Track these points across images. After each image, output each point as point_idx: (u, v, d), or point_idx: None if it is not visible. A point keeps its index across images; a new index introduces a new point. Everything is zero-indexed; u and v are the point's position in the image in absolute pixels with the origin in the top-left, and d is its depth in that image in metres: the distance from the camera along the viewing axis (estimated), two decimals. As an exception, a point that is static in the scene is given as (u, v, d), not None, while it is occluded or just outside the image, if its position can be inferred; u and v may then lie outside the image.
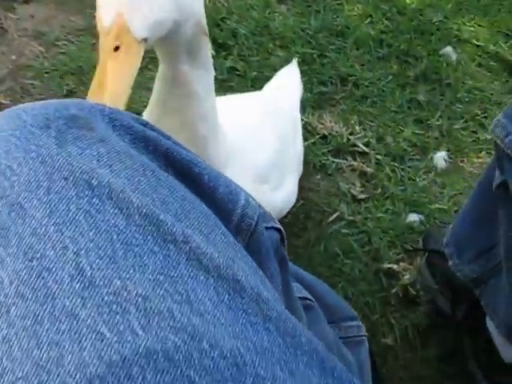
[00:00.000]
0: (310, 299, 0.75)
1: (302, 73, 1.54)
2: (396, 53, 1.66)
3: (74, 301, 0.30)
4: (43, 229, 0.33)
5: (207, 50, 0.76)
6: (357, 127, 1.47)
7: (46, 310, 0.30)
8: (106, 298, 0.31)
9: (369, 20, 1.74)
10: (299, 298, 0.71)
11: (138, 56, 0.64)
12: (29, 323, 0.29)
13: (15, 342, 0.29)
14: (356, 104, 1.53)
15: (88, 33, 1.65)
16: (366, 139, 1.45)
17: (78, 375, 0.28)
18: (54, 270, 0.31)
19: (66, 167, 0.35)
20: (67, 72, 1.54)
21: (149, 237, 0.34)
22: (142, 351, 0.29)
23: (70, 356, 0.28)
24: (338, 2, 1.79)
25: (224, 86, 1.49)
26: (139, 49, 0.64)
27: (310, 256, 1.24)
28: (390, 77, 1.59)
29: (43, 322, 0.29)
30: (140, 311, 0.31)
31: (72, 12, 1.72)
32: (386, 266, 1.24)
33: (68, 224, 0.33)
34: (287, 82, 1.29)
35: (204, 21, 0.73)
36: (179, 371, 0.29)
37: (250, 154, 0.95)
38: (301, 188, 1.34)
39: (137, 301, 0.31)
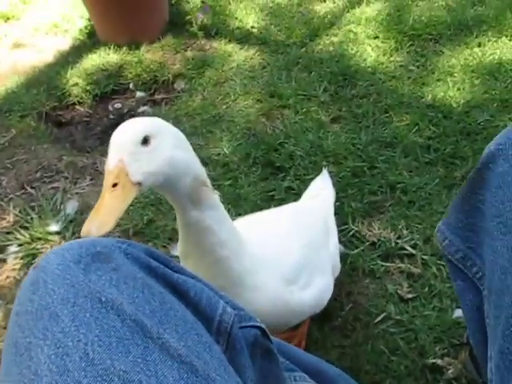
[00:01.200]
0: None
1: (352, 185, 1.70)
2: (442, 156, 1.78)
3: (80, 373, 0.50)
4: (67, 328, 0.53)
5: (211, 195, 0.95)
6: (404, 231, 1.59)
7: (64, 379, 0.49)
8: (99, 371, 0.50)
9: (416, 128, 1.89)
10: None
11: (131, 194, 0.83)
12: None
13: None
14: (404, 209, 1.65)
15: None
16: (412, 241, 1.56)
17: None
18: (70, 354, 0.51)
19: (86, 289, 0.56)
20: (147, 204, 1.79)
21: (135, 334, 0.53)
22: None
23: None
24: (387, 115, 1.96)
25: (282, 204, 1.67)
26: (133, 189, 0.84)
27: (357, 355, 1.35)
28: (437, 180, 1.71)
29: None
30: (120, 380, 0.49)
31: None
32: (431, 361, 1.32)
33: (83, 325, 0.53)
34: (321, 191, 1.45)
35: (203, 175, 0.93)
36: None
37: (275, 261, 1.11)
38: (349, 293, 1.47)
39: (119, 374, 0.50)
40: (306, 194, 1.49)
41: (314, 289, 1.19)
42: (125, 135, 0.86)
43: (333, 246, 1.34)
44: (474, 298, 0.66)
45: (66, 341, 0.52)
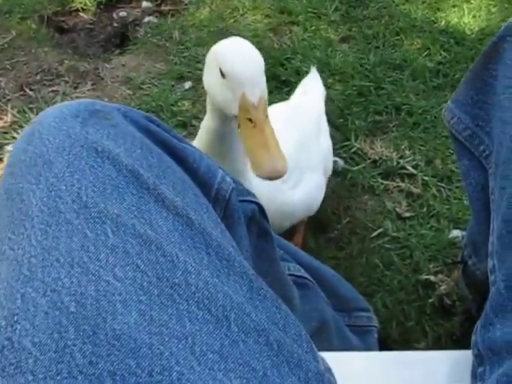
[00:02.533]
0: (308, 279, 0.88)
1: (358, 103, 1.67)
2: (451, 82, 1.75)
3: (72, 214, 0.48)
4: (61, 174, 0.51)
5: None
6: (407, 151, 1.57)
7: (55, 220, 0.47)
8: (92, 214, 0.48)
9: (426, 52, 1.85)
10: (296, 275, 0.85)
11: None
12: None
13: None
14: (408, 131, 1.63)
15: (168, 76, 1.87)
16: (414, 162, 1.54)
17: None
18: (63, 197, 0.49)
19: (83, 140, 0.53)
20: (149, 110, 1.75)
21: (130, 184, 0.51)
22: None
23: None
24: (398, 37, 1.91)
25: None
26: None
27: (352, 267, 1.34)
28: (444, 104, 1.68)
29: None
30: (113, 223, 0.47)
31: (157, 59, 1.96)
32: (424, 277, 1.32)
33: (78, 172, 0.51)
34: (310, 88, 1.44)
35: None
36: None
37: None
38: (347, 207, 1.46)
39: (112, 217, 0.48)
40: (296, 92, 1.47)
41: (304, 187, 1.17)
42: (256, 66, 0.88)
43: (324, 145, 1.32)
44: (480, 177, 0.64)
45: (58, 185, 0.50)
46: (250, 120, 0.85)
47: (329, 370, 0.56)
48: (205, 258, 0.51)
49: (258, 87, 0.86)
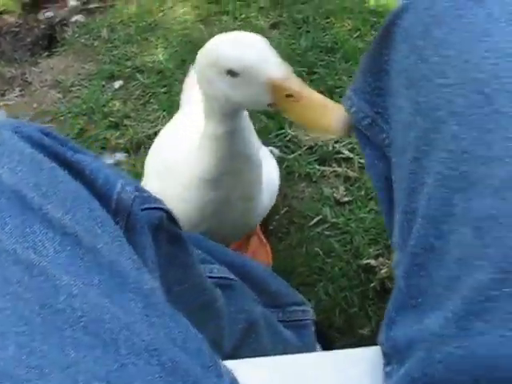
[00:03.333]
0: (233, 279, 0.86)
1: (290, 90, 1.64)
2: (384, 61, 1.73)
3: None
4: None
5: None
6: (342, 135, 1.56)
7: None
8: None
9: (357, 33, 1.83)
10: (220, 277, 0.83)
11: None
12: None
13: None
14: (342, 114, 1.61)
15: (98, 76, 1.83)
16: (350, 145, 1.53)
17: None
18: None
19: None
20: (79, 113, 1.71)
21: (13, 206, 0.47)
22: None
23: None
24: (328, 20, 1.89)
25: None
26: None
27: (292, 257, 1.33)
28: (377, 85, 1.67)
29: None
30: None
31: (86, 60, 1.91)
32: (365, 261, 1.31)
33: None
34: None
35: None
36: None
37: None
38: (285, 196, 1.45)
39: None
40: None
41: (269, 174, 1.15)
42: (260, 45, 0.85)
43: None
44: (383, 167, 0.62)
45: None
46: (290, 95, 0.82)
47: (233, 381, 0.54)
48: (95, 277, 0.48)
49: (274, 62, 0.83)
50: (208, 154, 0.95)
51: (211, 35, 1.85)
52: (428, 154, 0.50)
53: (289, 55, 1.77)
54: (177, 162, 1.03)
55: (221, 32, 1.77)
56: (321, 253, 1.33)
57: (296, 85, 0.82)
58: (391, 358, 0.54)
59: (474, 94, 0.47)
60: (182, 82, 1.72)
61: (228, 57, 0.85)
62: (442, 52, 0.52)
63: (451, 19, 0.52)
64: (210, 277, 0.81)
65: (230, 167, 0.95)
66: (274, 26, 1.91)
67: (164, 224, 0.69)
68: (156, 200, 0.68)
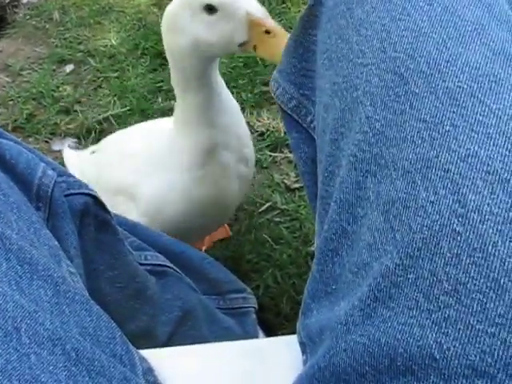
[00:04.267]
0: (169, 266, 0.84)
1: (244, 75, 1.64)
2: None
3: None
4: None
5: None
6: (294, 121, 1.54)
7: None
8: None
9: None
10: (153, 264, 0.81)
11: None
12: None
13: None
14: (295, 100, 1.60)
15: (49, 60, 1.79)
16: (302, 132, 1.52)
17: None
18: None
19: None
20: (28, 98, 1.67)
21: None
22: None
23: None
24: (283, 5, 1.87)
25: (169, 95, 1.59)
26: None
27: (241, 244, 1.32)
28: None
29: None
30: None
31: (37, 43, 1.87)
32: (314, 248, 1.31)
33: None
34: None
35: None
36: None
37: None
38: (235, 183, 1.43)
39: None
40: None
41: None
42: None
43: None
44: (309, 150, 0.61)
45: None
46: (267, 32, 0.84)
47: (148, 370, 0.53)
48: (3, 264, 0.46)
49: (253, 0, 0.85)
50: (195, 128, 0.97)
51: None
52: (345, 136, 0.49)
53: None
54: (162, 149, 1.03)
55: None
56: (269, 239, 1.32)
57: (273, 22, 0.85)
58: (305, 346, 0.53)
59: (390, 73, 0.46)
60: (134, 66, 1.70)
61: None
62: (362, 31, 0.51)
63: None
64: (144, 263, 0.80)
65: (218, 128, 0.98)
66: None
67: (90, 209, 0.67)
68: (81, 185, 0.66)
